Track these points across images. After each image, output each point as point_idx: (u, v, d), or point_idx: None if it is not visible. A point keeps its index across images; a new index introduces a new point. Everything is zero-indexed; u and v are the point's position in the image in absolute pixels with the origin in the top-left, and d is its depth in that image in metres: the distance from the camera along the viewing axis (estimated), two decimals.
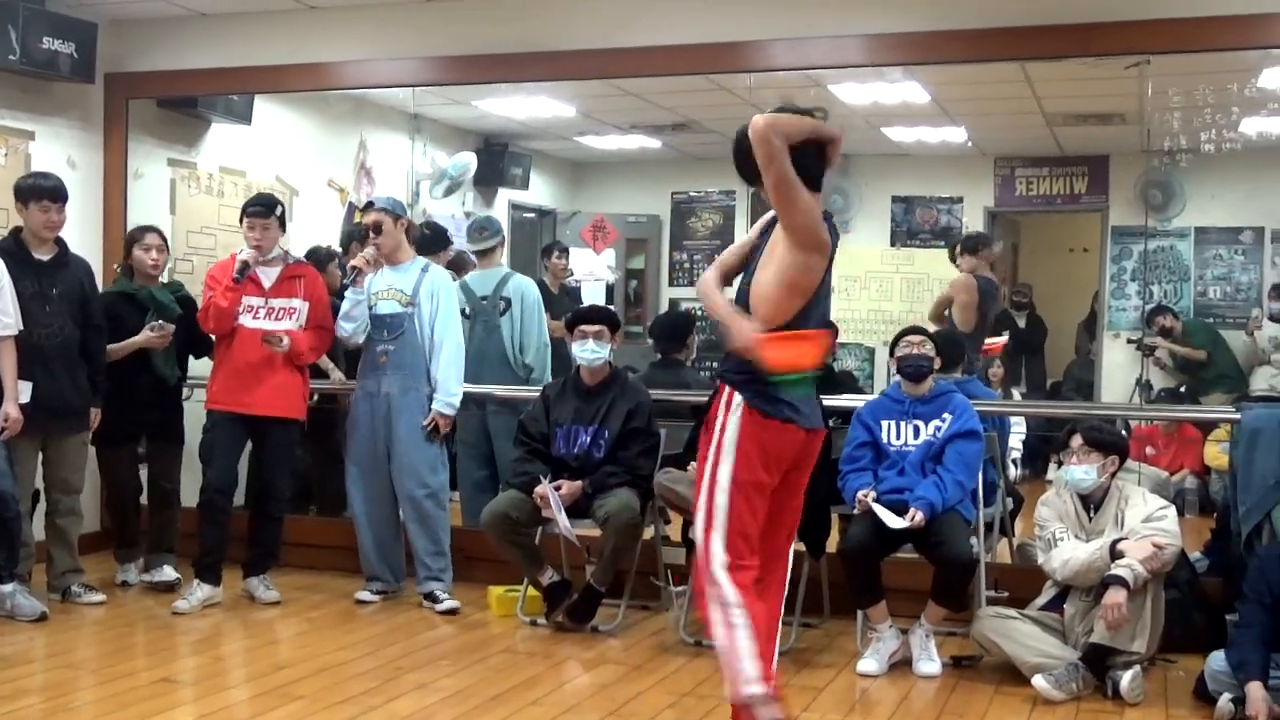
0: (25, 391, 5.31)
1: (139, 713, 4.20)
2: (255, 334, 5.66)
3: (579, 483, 5.35)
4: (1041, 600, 4.88)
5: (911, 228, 9.83)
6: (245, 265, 5.63)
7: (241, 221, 5.74)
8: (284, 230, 5.86)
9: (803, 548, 5.17)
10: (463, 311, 6.61)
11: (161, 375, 5.90)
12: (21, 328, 5.26)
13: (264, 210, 5.71)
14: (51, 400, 5.41)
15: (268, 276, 5.74)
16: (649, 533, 5.57)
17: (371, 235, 5.75)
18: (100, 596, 5.69)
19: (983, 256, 7.20)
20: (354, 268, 5.77)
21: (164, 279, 6.12)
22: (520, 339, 6.53)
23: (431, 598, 5.68)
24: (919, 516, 4.73)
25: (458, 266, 6.98)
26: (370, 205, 5.87)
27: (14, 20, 5.99)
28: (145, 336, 5.78)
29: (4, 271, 5.23)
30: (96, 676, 4.63)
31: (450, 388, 5.74)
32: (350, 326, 5.80)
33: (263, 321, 5.69)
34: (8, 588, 5.28)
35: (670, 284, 10.47)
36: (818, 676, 4.78)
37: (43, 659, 4.84)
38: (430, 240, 6.80)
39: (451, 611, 5.62)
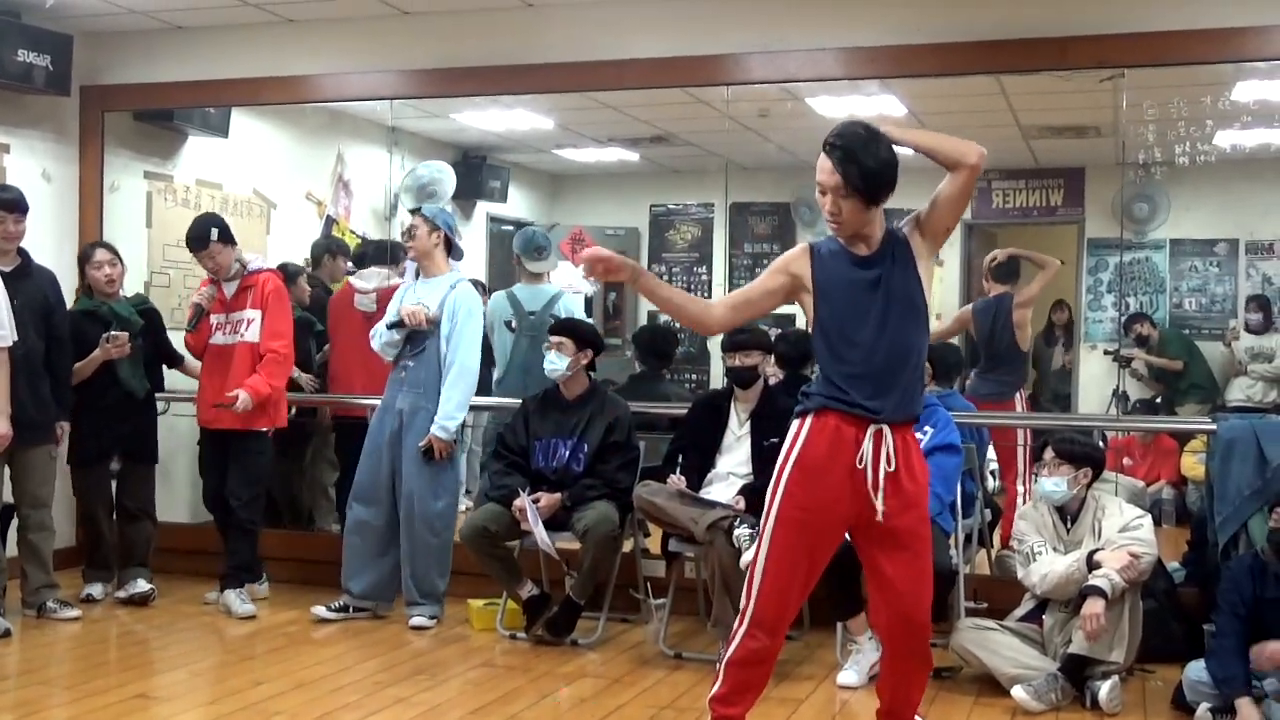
0: None
1: None
2: (221, 349, 5.81)
3: (557, 495, 5.34)
4: (1020, 611, 4.89)
5: None
6: (199, 309, 5.78)
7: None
8: (233, 244, 5.85)
9: None
10: (508, 324, 6.75)
11: (129, 389, 5.87)
12: (16, 338, 5.23)
13: (200, 244, 5.75)
14: (14, 413, 5.35)
15: (229, 289, 5.85)
16: (628, 545, 5.56)
17: (404, 239, 5.74)
18: (76, 612, 5.64)
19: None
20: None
21: (125, 292, 6.12)
22: None
23: (414, 615, 5.62)
24: None
25: None
26: (416, 211, 5.83)
27: None
28: (102, 350, 5.76)
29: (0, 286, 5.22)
30: (71, 693, 4.59)
31: (449, 409, 5.57)
32: (392, 352, 5.75)
33: (228, 336, 5.79)
34: None
35: None
36: (798, 688, 4.78)
37: (15, 675, 4.80)
38: (377, 255, 6.86)
39: (418, 628, 5.55)
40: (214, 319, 5.79)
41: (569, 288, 9.22)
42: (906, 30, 5.63)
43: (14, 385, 5.34)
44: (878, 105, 7.69)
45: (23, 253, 5.56)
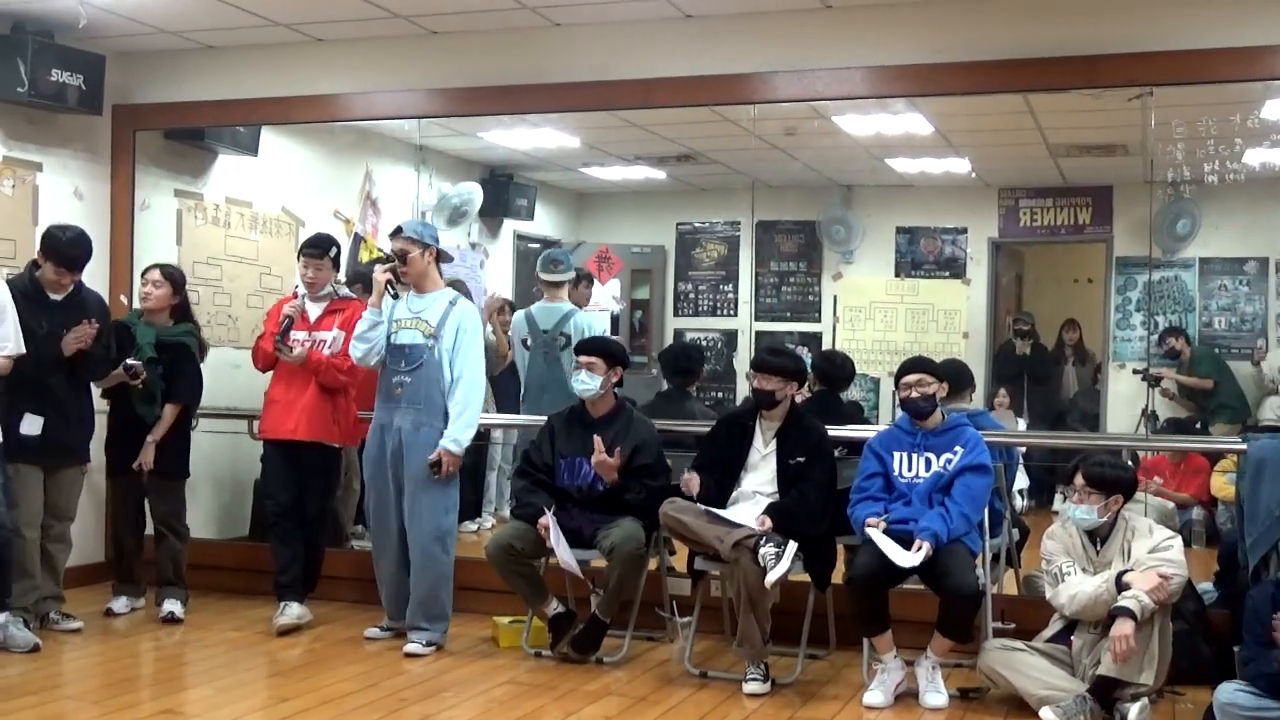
0: (35, 424, 5.41)
1: None
2: (293, 364, 5.80)
3: (615, 459, 5.31)
4: (1048, 632, 4.86)
5: (916, 258, 9.86)
6: (289, 320, 5.79)
7: (299, 259, 5.96)
8: (337, 269, 5.96)
9: (808, 579, 5.16)
10: (524, 342, 6.95)
11: (139, 412, 5.91)
12: (23, 350, 5.29)
13: (318, 251, 5.88)
14: (56, 436, 5.51)
15: (314, 311, 5.89)
16: (654, 563, 5.55)
17: (397, 264, 5.55)
18: (78, 624, 5.68)
19: None
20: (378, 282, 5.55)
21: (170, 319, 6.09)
22: None
23: (411, 640, 5.48)
24: (925, 548, 4.71)
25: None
26: (398, 231, 5.64)
27: (23, 53, 6.04)
28: (115, 374, 5.82)
29: (9, 298, 5.27)
30: (99, 708, 4.60)
31: (461, 425, 5.47)
32: (362, 348, 5.55)
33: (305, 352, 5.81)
34: (0, 618, 5.25)
35: (675, 314, 10.49)
36: (824, 709, 4.75)
37: (43, 690, 4.81)
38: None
39: (412, 655, 5.38)
40: (296, 335, 5.80)
41: (595, 305, 9.33)
42: (933, 49, 5.62)
43: (62, 412, 5.51)
44: (905, 124, 7.70)
45: (77, 280, 5.65)
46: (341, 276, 6.24)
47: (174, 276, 6.06)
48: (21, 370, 5.30)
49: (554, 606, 5.41)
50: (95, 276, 6.49)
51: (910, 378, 5.09)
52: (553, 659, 5.39)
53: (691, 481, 5.15)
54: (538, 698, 4.84)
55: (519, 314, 7.31)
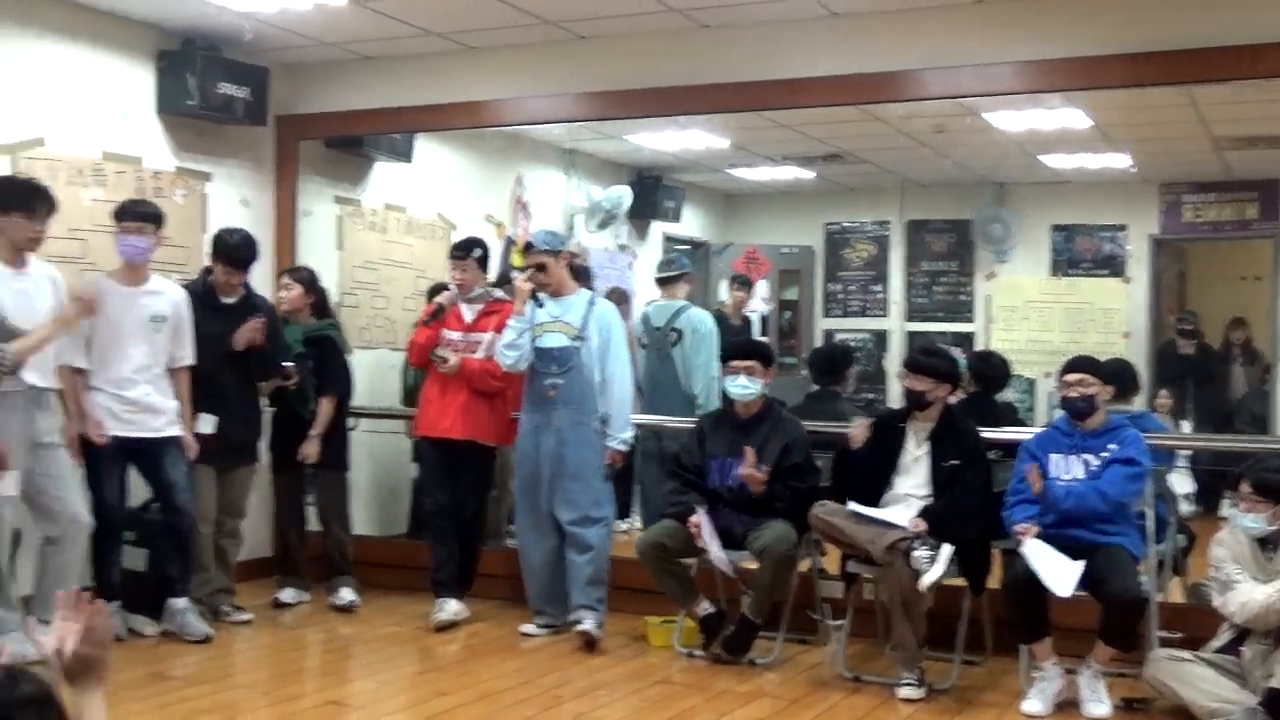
0: (210, 424, 5.65)
1: None
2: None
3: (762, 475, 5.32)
4: (1217, 642, 4.69)
5: (1073, 257, 9.63)
6: (440, 308, 5.94)
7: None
8: (484, 271, 6.08)
9: (963, 583, 5.08)
10: (640, 341, 7.11)
11: (296, 408, 6.16)
12: (195, 361, 5.56)
13: (462, 253, 6.02)
14: (229, 436, 5.76)
15: (470, 312, 6.00)
16: (805, 565, 5.52)
17: (536, 274, 5.72)
18: (248, 616, 5.91)
19: None
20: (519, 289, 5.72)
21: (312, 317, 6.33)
22: (688, 370, 6.85)
23: (580, 624, 5.61)
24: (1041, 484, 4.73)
25: (615, 301, 7.16)
26: (529, 247, 5.87)
27: (192, 68, 6.30)
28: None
29: (190, 311, 5.57)
30: (268, 698, 4.78)
31: (623, 425, 5.75)
32: (513, 355, 5.69)
33: (460, 354, 5.90)
34: (180, 603, 5.50)
35: (825, 315, 10.42)
36: (981, 716, 4.68)
37: (216, 679, 5.01)
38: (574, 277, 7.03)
39: (590, 643, 5.52)
40: (451, 335, 5.91)
41: (749, 309, 9.39)
42: (1088, 42, 5.46)
43: (232, 413, 5.78)
44: (1061, 119, 7.52)
45: (246, 285, 5.92)
46: (491, 278, 6.37)
47: (302, 277, 6.34)
48: (195, 372, 5.61)
49: (705, 607, 5.42)
50: (261, 283, 6.72)
51: (1071, 376, 4.99)
52: (704, 659, 5.41)
53: (860, 431, 5.17)
54: (690, 698, 4.86)
55: (637, 315, 7.45)
